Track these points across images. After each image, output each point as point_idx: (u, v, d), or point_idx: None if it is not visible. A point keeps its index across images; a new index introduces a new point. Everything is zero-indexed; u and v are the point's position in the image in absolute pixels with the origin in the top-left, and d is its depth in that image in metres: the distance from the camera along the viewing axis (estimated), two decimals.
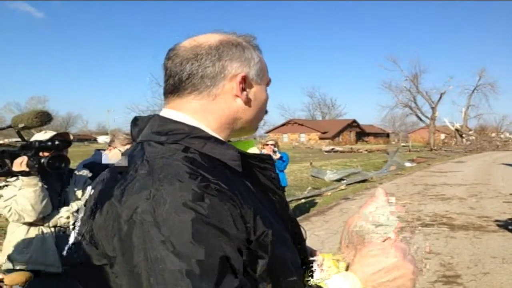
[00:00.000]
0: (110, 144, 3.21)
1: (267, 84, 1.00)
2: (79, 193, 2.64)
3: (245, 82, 0.93)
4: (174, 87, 0.93)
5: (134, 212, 0.74)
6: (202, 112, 0.91)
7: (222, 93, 0.91)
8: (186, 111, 0.92)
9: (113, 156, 3.06)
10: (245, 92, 0.93)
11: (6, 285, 1.46)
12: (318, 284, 0.89)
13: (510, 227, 6.90)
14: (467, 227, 7.06)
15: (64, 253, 0.96)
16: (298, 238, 0.98)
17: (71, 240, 0.94)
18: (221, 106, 0.92)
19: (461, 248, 5.86)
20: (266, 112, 1.02)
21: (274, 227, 0.83)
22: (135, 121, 0.97)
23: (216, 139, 0.89)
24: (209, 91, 0.91)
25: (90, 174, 2.71)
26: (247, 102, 0.94)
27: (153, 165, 0.80)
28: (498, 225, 7.09)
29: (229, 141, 0.96)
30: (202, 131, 0.90)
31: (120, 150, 3.06)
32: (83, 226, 0.87)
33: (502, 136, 52.39)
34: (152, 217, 0.73)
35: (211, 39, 0.93)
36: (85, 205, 0.93)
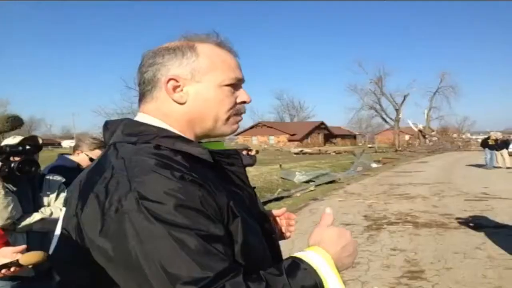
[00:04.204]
0: (76, 148, 3.17)
1: (223, 82, 0.99)
2: (52, 197, 2.61)
3: (179, 84, 0.97)
4: (139, 93, 1.02)
5: (120, 205, 0.80)
6: (161, 115, 0.98)
7: (164, 96, 0.98)
8: (151, 114, 0.99)
9: (81, 161, 3.04)
10: (180, 93, 0.97)
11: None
12: (296, 256, 0.91)
13: (471, 224, 7.19)
14: (431, 225, 7.32)
15: (51, 251, 0.99)
16: (268, 231, 1.04)
17: (56, 239, 0.98)
18: (170, 108, 0.98)
19: (424, 244, 6.07)
20: (238, 110, 1.03)
21: (244, 217, 0.90)
22: (106, 125, 1.03)
23: (184, 138, 0.96)
24: (152, 95, 0.99)
25: (63, 179, 2.68)
26: (186, 102, 0.98)
27: (128, 162, 0.87)
28: (459, 222, 7.37)
29: (199, 142, 1.02)
30: (169, 131, 0.96)
31: (87, 155, 3.05)
32: (68, 224, 0.91)
33: (463, 136, 54.17)
34: (138, 207, 0.79)
35: (156, 47, 1.01)
36: (65, 206, 0.97)
